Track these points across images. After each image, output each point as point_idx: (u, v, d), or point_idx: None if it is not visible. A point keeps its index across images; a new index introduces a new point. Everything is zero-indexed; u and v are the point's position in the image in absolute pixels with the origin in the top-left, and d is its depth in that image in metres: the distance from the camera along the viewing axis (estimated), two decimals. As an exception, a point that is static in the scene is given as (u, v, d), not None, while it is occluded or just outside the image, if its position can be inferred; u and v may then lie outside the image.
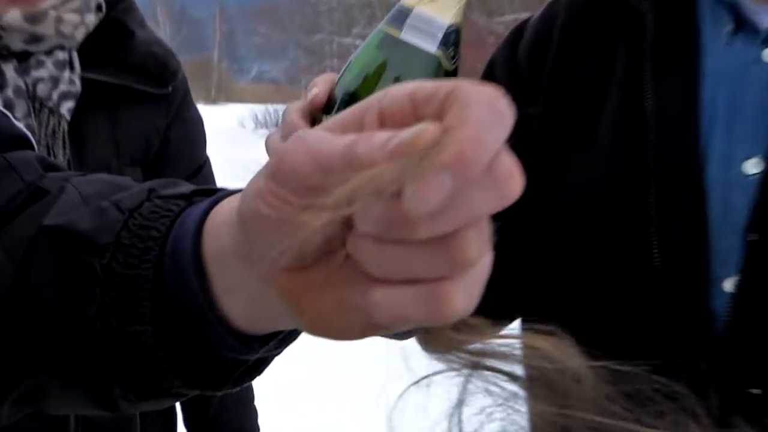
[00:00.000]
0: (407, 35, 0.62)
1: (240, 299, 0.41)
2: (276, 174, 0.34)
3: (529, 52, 0.92)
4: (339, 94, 0.65)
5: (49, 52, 1.12)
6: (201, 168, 1.30)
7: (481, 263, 0.33)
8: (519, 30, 0.96)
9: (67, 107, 1.11)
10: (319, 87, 0.67)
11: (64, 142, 1.10)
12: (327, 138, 0.33)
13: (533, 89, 0.91)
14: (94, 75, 1.15)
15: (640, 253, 0.79)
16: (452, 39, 0.63)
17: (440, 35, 0.62)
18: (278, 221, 0.34)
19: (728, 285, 0.77)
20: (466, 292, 0.33)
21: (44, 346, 0.45)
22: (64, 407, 0.49)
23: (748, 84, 0.80)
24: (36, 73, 1.10)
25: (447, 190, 0.29)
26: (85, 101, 1.14)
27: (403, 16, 0.63)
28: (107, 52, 1.17)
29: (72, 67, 1.13)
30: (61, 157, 1.08)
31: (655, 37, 0.83)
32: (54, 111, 1.09)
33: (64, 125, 1.10)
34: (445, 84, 0.31)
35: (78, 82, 1.13)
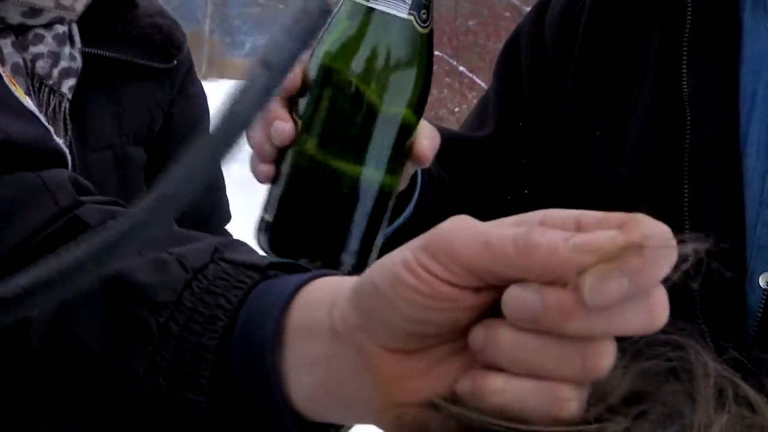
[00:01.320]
0: (376, 2, 0.62)
1: (312, 380, 0.39)
2: (434, 249, 0.34)
3: (556, 31, 0.90)
4: (313, 71, 0.64)
5: (48, 26, 1.07)
6: None
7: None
8: (545, 2, 0.93)
9: (68, 85, 1.06)
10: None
11: (65, 122, 1.05)
12: (492, 224, 0.34)
13: (559, 72, 0.89)
14: (95, 50, 1.10)
15: None
16: (423, 1, 0.62)
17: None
18: (420, 292, 0.33)
19: (764, 280, 0.76)
20: (581, 399, 0.33)
21: (79, 394, 0.44)
22: None
23: None
24: (35, 49, 1.05)
25: (624, 292, 0.31)
26: (86, 77, 1.09)
27: None
28: (108, 25, 1.13)
29: (72, 42, 1.08)
30: (61, 139, 1.03)
31: (694, 21, 0.80)
32: (55, 89, 1.05)
33: (66, 104, 1.06)
34: (617, 214, 0.33)
35: (79, 58, 1.08)
